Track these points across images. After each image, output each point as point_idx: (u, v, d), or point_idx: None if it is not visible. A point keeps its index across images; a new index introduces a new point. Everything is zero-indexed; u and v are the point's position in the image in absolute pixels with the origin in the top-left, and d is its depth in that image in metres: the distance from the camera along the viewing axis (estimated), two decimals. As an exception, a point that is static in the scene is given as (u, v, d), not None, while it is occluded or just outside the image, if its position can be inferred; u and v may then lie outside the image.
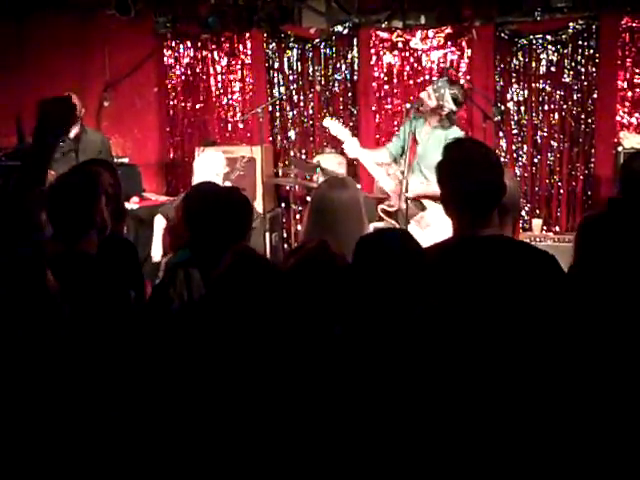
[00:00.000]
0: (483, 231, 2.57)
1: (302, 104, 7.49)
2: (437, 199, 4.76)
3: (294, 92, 7.46)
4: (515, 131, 7.01)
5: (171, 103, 7.79)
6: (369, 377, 2.17)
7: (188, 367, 2.29)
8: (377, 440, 2.12)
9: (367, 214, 3.40)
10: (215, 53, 7.60)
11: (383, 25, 7.09)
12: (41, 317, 2.21)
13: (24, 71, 7.70)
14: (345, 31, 7.19)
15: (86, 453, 2.21)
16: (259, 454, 2.15)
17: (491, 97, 6.71)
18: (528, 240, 5.63)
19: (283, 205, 7.40)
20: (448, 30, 6.98)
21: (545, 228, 6.84)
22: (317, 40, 7.29)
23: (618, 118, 6.70)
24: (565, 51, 6.80)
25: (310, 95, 7.44)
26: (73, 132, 6.13)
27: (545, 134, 6.95)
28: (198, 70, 7.68)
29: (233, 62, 7.57)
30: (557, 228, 6.95)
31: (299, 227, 6.82)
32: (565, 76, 6.83)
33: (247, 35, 7.42)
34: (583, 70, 6.78)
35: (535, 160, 7.03)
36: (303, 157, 7.46)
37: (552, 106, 6.90)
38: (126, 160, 7.36)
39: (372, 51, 7.14)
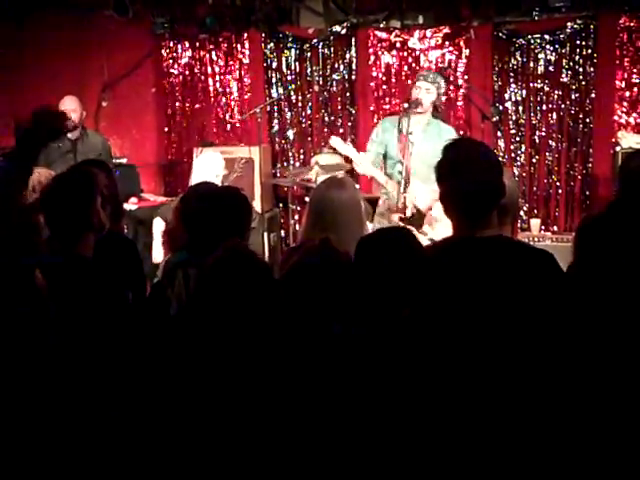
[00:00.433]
0: (482, 232, 2.56)
1: (300, 104, 7.50)
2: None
3: (292, 92, 7.46)
4: (513, 131, 7.02)
5: (169, 103, 7.80)
6: (368, 375, 2.17)
7: (182, 367, 2.29)
8: (376, 439, 2.12)
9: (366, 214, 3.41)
10: (213, 53, 7.60)
11: (381, 25, 7.10)
12: (29, 317, 2.20)
13: (23, 71, 7.69)
14: (343, 31, 7.19)
15: (82, 452, 2.21)
16: (257, 453, 2.15)
17: (489, 97, 6.72)
18: (526, 240, 5.64)
19: (281, 205, 7.40)
20: (446, 30, 6.98)
21: (543, 228, 6.84)
22: (315, 40, 7.29)
23: (616, 118, 6.70)
24: (563, 51, 6.80)
25: (308, 95, 7.44)
26: (73, 135, 6.13)
27: (543, 134, 6.96)
28: (196, 70, 7.68)
29: (231, 62, 7.57)
30: (555, 228, 6.95)
31: (297, 227, 6.81)
32: (563, 76, 6.83)
33: (245, 35, 7.42)
34: (581, 70, 6.78)
35: (533, 160, 7.03)
36: (301, 157, 7.47)
37: (550, 106, 6.90)
38: (124, 160, 7.36)
39: (370, 51, 7.14)
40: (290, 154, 7.55)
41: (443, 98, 5.28)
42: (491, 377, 2.32)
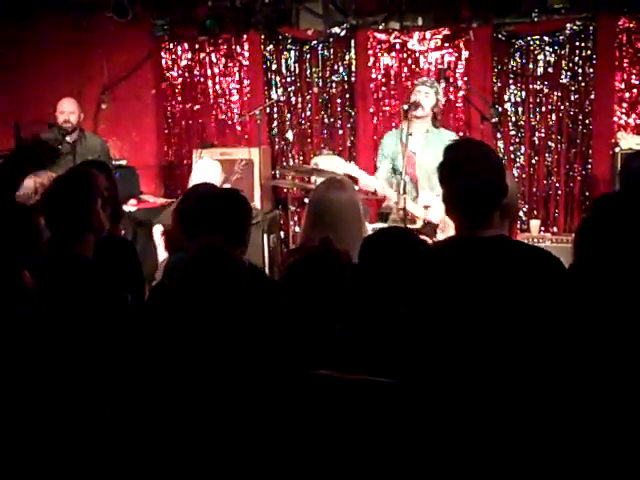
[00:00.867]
0: (484, 231, 2.56)
1: (300, 106, 7.49)
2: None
3: (292, 94, 7.46)
4: (513, 132, 7.01)
5: (169, 105, 7.80)
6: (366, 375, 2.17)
7: (169, 366, 2.28)
8: (375, 441, 2.12)
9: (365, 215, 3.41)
10: (213, 55, 7.60)
11: (380, 27, 7.09)
12: (18, 316, 2.20)
13: (22, 73, 7.70)
14: (342, 33, 7.19)
15: (77, 451, 2.21)
16: (255, 454, 2.15)
17: (488, 98, 6.72)
18: (526, 241, 5.64)
19: (281, 207, 7.40)
20: (445, 31, 6.98)
21: (543, 229, 6.83)
22: (315, 42, 7.29)
23: (615, 119, 6.70)
24: (562, 52, 6.80)
25: (308, 97, 7.44)
26: (72, 137, 6.14)
27: (543, 135, 6.95)
28: (196, 72, 7.67)
29: (231, 64, 7.57)
30: (555, 229, 6.95)
31: (297, 229, 6.81)
32: (562, 77, 6.83)
33: (244, 37, 7.42)
34: (580, 71, 6.78)
35: (533, 161, 7.03)
36: (301, 158, 7.47)
37: (549, 107, 6.90)
38: (124, 162, 7.36)
39: (370, 52, 7.13)
40: (290, 155, 7.54)
41: (441, 104, 5.28)
42: (493, 377, 2.32)
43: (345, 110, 7.37)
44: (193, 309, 2.28)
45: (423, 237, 4.97)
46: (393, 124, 7.07)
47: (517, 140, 7.02)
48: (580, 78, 6.79)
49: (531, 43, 6.85)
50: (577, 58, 6.78)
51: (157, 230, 5.73)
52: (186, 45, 7.64)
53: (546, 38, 6.80)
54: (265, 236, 5.98)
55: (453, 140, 2.95)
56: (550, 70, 6.85)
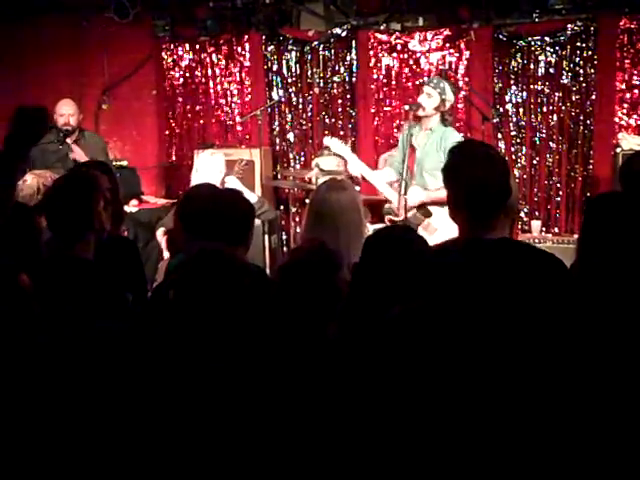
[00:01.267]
0: (489, 234, 2.56)
1: (301, 106, 7.49)
2: (439, 204, 4.82)
3: (293, 94, 7.47)
4: (514, 133, 7.01)
5: (170, 106, 7.80)
6: (365, 375, 2.17)
7: (171, 370, 2.28)
8: (373, 443, 2.12)
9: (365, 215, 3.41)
10: (214, 56, 7.61)
11: (381, 27, 7.09)
12: (14, 318, 2.20)
13: (23, 73, 7.71)
14: (343, 33, 7.19)
15: (74, 451, 2.21)
16: (252, 455, 2.15)
17: (489, 99, 6.72)
18: (527, 242, 5.63)
19: (282, 207, 7.40)
20: (446, 32, 6.98)
21: (544, 229, 6.84)
22: (315, 42, 7.28)
23: (616, 119, 6.69)
24: (563, 53, 6.79)
25: (309, 97, 7.44)
26: (71, 138, 6.13)
27: (544, 135, 6.95)
28: (197, 73, 7.68)
29: (232, 65, 7.58)
30: (556, 229, 6.95)
31: (298, 229, 6.81)
32: (563, 78, 6.82)
33: (245, 38, 7.42)
34: (581, 72, 6.78)
35: (534, 162, 7.02)
36: (302, 159, 7.48)
37: (551, 107, 6.90)
38: (125, 163, 7.37)
39: (371, 53, 7.13)
40: (291, 156, 7.54)
41: (448, 104, 5.27)
42: (498, 380, 2.31)
43: (346, 111, 7.37)
44: (195, 311, 2.28)
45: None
46: (394, 124, 7.08)
47: (518, 141, 7.02)
48: (581, 79, 6.79)
49: (532, 44, 6.85)
50: (578, 59, 6.78)
51: (160, 232, 5.73)
52: (187, 45, 7.65)
53: (547, 38, 6.79)
54: (266, 237, 5.97)
55: (455, 143, 2.94)
56: (551, 71, 6.85)
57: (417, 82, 6.99)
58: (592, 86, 6.75)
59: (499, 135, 6.83)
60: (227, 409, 2.17)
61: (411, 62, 7.12)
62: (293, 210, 6.96)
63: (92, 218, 2.96)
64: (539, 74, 6.89)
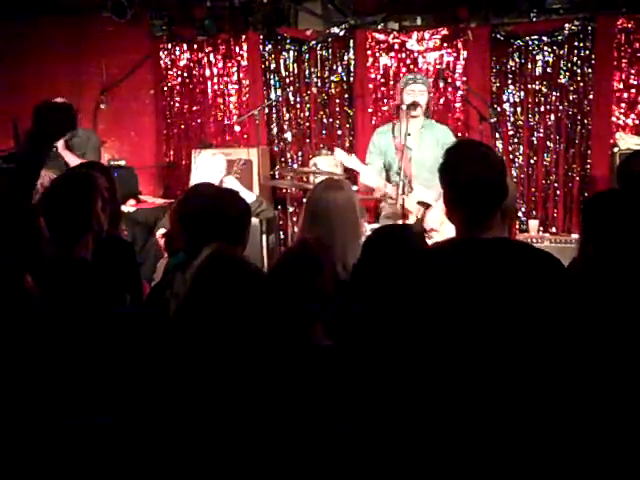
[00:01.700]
0: (486, 233, 2.56)
1: (298, 106, 7.50)
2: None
3: (290, 94, 7.47)
4: (511, 132, 7.02)
5: (168, 105, 7.80)
6: (363, 375, 2.17)
7: (174, 370, 2.29)
8: (373, 445, 2.12)
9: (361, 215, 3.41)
10: (211, 55, 7.61)
11: (379, 27, 7.10)
12: (19, 319, 2.20)
13: (21, 74, 7.71)
14: (341, 33, 7.19)
15: (74, 452, 2.21)
16: (251, 455, 2.15)
17: (487, 98, 6.72)
18: (525, 241, 5.64)
19: (280, 207, 7.40)
20: (444, 31, 6.98)
21: (542, 229, 6.85)
22: (313, 42, 7.29)
23: (614, 119, 6.70)
24: (561, 52, 6.80)
25: (306, 97, 7.44)
26: (65, 137, 6.13)
27: (541, 135, 6.96)
28: (194, 72, 7.68)
29: (229, 64, 7.58)
30: (554, 229, 6.95)
31: (296, 229, 6.81)
32: (561, 77, 6.83)
33: (243, 37, 7.42)
34: (579, 71, 6.79)
35: (531, 161, 7.03)
36: (300, 159, 7.48)
37: (548, 107, 6.91)
38: (123, 163, 7.37)
39: (368, 53, 7.14)
40: (288, 156, 7.55)
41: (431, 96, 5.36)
42: (495, 379, 2.32)
43: (344, 110, 7.38)
44: (208, 313, 2.28)
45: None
46: (392, 121, 7.07)
47: (516, 140, 7.02)
48: (579, 78, 6.80)
49: (529, 43, 6.86)
50: (576, 58, 6.79)
51: (160, 233, 5.72)
52: (185, 45, 7.65)
53: (545, 38, 6.80)
54: (264, 236, 5.97)
55: (453, 142, 2.94)
56: (549, 70, 6.86)
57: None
58: (590, 86, 6.75)
59: (497, 135, 6.82)
60: (224, 408, 2.17)
61: (409, 62, 7.12)
62: (291, 209, 6.96)
63: (90, 218, 2.96)
64: (537, 74, 6.90)
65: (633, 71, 6.65)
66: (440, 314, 2.35)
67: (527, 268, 2.48)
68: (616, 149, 6.36)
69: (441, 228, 4.95)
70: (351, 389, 2.16)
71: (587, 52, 6.73)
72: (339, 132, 7.35)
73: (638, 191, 3.49)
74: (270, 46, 7.42)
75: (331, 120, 7.40)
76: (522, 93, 6.96)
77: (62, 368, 2.32)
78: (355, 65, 7.23)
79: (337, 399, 2.15)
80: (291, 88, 7.46)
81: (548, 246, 5.96)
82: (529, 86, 6.92)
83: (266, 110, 7.31)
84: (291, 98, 7.50)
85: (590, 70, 6.73)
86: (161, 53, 7.68)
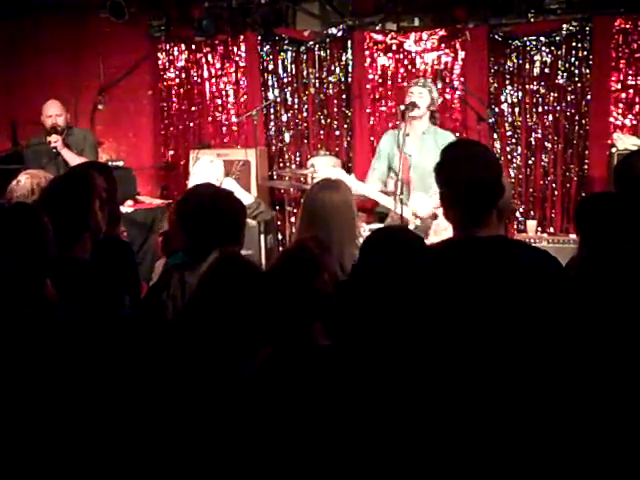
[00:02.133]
0: (483, 231, 2.56)
1: (296, 106, 7.50)
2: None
3: (288, 94, 7.47)
4: (509, 133, 7.01)
5: (165, 106, 7.80)
6: (363, 379, 2.17)
7: (175, 371, 2.29)
8: (373, 449, 2.12)
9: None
10: (209, 56, 7.60)
11: (377, 27, 7.09)
12: (38, 323, 2.21)
13: (19, 74, 7.71)
14: (339, 33, 7.19)
15: (74, 453, 2.21)
16: (253, 458, 2.15)
17: (485, 99, 6.73)
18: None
19: (278, 207, 7.40)
20: (442, 32, 6.98)
21: (540, 229, 6.85)
22: (311, 42, 7.28)
23: (612, 119, 6.70)
24: (559, 53, 6.80)
25: (304, 97, 7.45)
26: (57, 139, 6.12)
27: (539, 135, 6.96)
28: (192, 73, 7.68)
29: (227, 65, 7.58)
30: (552, 229, 6.95)
31: (294, 229, 6.81)
32: (559, 78, 6.83)
33: (241, 38, 7.42)
34: (577, 72, 6.79)
35: (529, 161, 7.03)
36: (297, 159, 7.48)
37: (546, 107, 6.90)
38: (121, 163, 7.36)
39: (366, 53, 7.13)
40: (286, 156, 7.55)
41: (437, 102, 5.30)
42: (493, 379, 2.31)
43: (342, 111, 7.37)
44: (217, 314, 2.29)
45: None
46: (390, 125, 7.07)
47: (514, 141, 7.02)
48: (576, 79, 6.79)
49: (527, 44, 6.85)
50: (573, 59, 6.78)
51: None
52: (182, 46, 7.64)
53: (542, 39, 6.80)
54: (262, 237, 5.97)
55: (449, 142, 2.95)
56: (546, 71, 6.85)
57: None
58: (587, 86, 6.75)
59: (494, 135, 6.83)
60: (224, 409, 2.17)
61: (406, 62, 7.12)
62: (289, 210, 6.96)
63: (88, 219, 2.96)
64: (534, 74, 6.89)
65: (631, 71, 6.64)
66: (440, 313, 2.35)
67: (524, 266, 2.49)
68: (614, 149, 6.36)
69: (443, 233, 4.94)
70: (351, 389, 2.15)
71: (585, 52, 6.73)
72: (337, 133, 7.36)
73: (636, 191, 3.49)
74: (268, 47, 7.42)
75: (329, 121, 7.40)
76: (520, 94, 6.95)
77: (62, 368, 2.32)
78: (353, 66, 7.23)
79: (337, 399, 2.15)
80: (289, 89, 7.46)
81: (546, 246, 5.96)
82: (527, 86, 6.92)
83: (264, 111, 7.31)
84: (289, 99, 7.49)
85: (588, 71, 6.73)
86: (159, 53, 7.68)
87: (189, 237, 3.05)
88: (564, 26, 6.71)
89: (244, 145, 7.21)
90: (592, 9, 6.59)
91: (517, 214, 7.01)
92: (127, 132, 7.85)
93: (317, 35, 7.23)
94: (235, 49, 7.51)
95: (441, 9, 6.87)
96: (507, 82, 6.97)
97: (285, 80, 7.47)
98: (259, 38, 7.36)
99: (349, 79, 7.29)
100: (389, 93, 7.18)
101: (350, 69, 7.26)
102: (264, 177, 7.08)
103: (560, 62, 6.80)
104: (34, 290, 2.32)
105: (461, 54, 6.97)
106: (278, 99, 7.43)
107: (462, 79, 6.93)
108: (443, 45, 7.01)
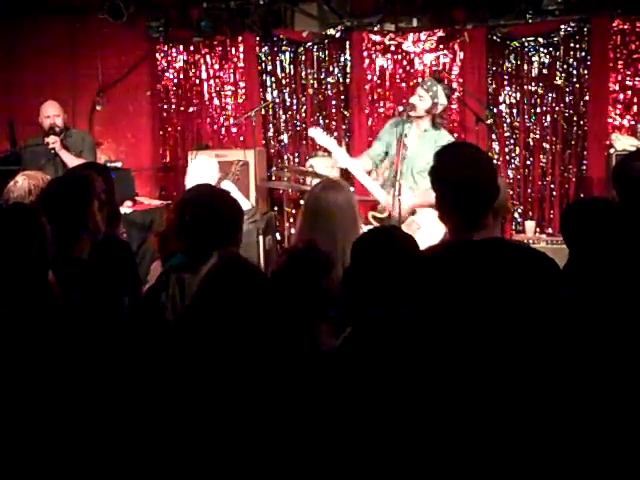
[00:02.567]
0: (478, 233, 2.56)
1: (295, 107, 7.50)
2: (427, 206, 4.81)
3: (287, 95, 7.47)
4: (507, 133, 7.02)
5: (164, 107, 7.79)
6: (362, 378, 2.17)
7: (177, 372, 2.29)
8: (372, 447, 2.12)
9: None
10: (208, 57, 7.60)
11: (375, 28, 7.10)
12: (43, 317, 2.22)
13: (18, 75, 7.70)
14: (337, 34, 7.20)
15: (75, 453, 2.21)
16: (254, 458, 2.15)
17: (483, 100, 6.73)
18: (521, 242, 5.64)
19: (276, 208, 7.40)
20: (440, 33, 6.99)
21: (538, 230, 6.86)
22: (309, 43, 7.29)
23: (610, 120, 6.72)
24: (557, 53, 6.82)
25: (303, 98, 7.45)
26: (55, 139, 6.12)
27: (537, 136, 6.97)
28: (191, 74, 7.68)
29: (226, 66, 7.58)
30: (550, 230, 6.96)
31: (293, 230, 6.81)
32: (557, 78, 6.84)
33: (239, 39, 7.42)
34: (575, 72, 6.80)
35: (528, 162, 7.04)
36: (296, 160, 7.48)
37: (544, 108, 6.92)
38: (119, 164, 7.37)
39: (364, 54, 7.14)
40: (285, 157, 7.55)
41: (440, 107, 5.23)
42: (493, 379, 2.32)
43: (340, 111, 7.38)
44: (221, 315, 2.30)
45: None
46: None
47: (512, 141, 7.03)
48: (575, 79, 6.81)
49: (525, 44, 6.87)
50: (571, 59, 6.80)
51: (161, 234, 5.72)
52: (181, 47, 7.64)
53: (540, 39, 6.81)
54: (261, 237, 5.97)
55: (442, 145, 2.95)
56: (545, 71, 6.87)
57: (411, 83, 7.00)
58: (585, 87, 6.77)
59: (493, 136, 6.84)
60: (227, 408, 2.17)
61: (405, 63, 7.13)
62: (288, 210, 6.96)
63: (87, 220, 2.96)
64: (533, 75, 6.91)
65: (629, 72, 6.67)
66: (438, 316, 2.35)
67: (522, 268, 2.49)
68: (612, 150, 6.37)
69: (417, 232, 4.94)
70: (356, 389, 2.16)
71: (583, 53, 6.75)
72: (335, 133, 7.35)
73: (634, 192, 3.50)
74: (266, 48, 7.43)
75: (327, 121, 7.41)
76: (518, 94, 6.97)
77: (62, 368, 2.33)
78: (351, 66, 7.24)
79: (343, 399, 2.15)
80: (287, 89, 7.46)
81: (544, 247, 5.97)
82: (525, 87, 6.94)
83: (262, 111, 7.31)
84: (287, 99, 7.50)
85: (586, 71, 6.75)
86: (157, 54, 7.68)
87: (188, 238, 3.05)
88: (562, 27, 6.72)
89: (242, 146, 7.21)
90: (590, 10, 6.60)
91: (516, 215, 7.02)
92: (126, 133, 7.84)
93: (315, 36, 7.23)
94: (233, 50, 7.51)
95: (439, 10, 6.88)
96: (505, 83, 6.99)
97: (283, 81, 7.47)
98: (257, 39, 7.37)
99: (347, 80, 7.30)
100: (387, 94, 7.19)
101: (348, 70, 7.27)
102: (263, 178, 7.08)
103: (558, 63, 6.82)
104: (35, 287, 2.32)
105: (459, 55, 6.98)
106: (276, 100, 7.44)
107: (460, 80, 6.94)
108: (441, 46, 7.02)
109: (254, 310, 2.30)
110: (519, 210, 7.03)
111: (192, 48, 7.60)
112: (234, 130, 7.61)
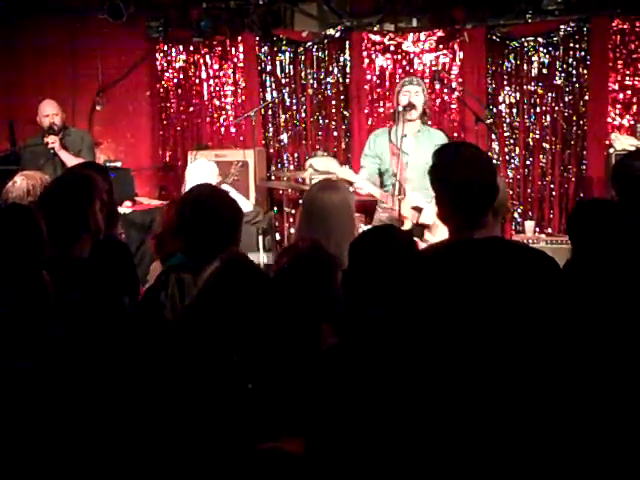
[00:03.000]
0: (479, 233, 2.57)
1: (294, 107, 7.50)
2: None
3: (286, 95, 7.47)
4: (507, 133, 7.02)
5: (164, 107, 7.80)
6: (361, 378, 2.17)
7: (177, 372, 2.29)
8: (371, 447, 2.12)
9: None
10: (207, 57, 7.61)
11: (375, 28, 7.10)
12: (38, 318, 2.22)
13: (17, 75, 7.70)
14: (337, 34, 7.20)
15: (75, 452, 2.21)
16: (254, 459, 2.15)
17: (483, 100, 6.74)
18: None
19: (276, 208, 7.40)
20: (440, 33, 6.99)
21: (538, 230, 6.86)
22: (309, 43, 7.29)
23: (609, 120, 6.72)
24: (556, 53, 6.81)
25: (302, 98, 7.45)
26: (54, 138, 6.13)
27: (537, 136, 6.97)
28: (190, 74, 7.68)
29: (225, 66, 7.58)
30: (550, 230, 6.96)
31: (292, 230, 6.81)
32: (556, 78, 6.84)
33: (239, 39, 7.42)
34: (574, 72, 6.80)
35: (527, 162, 7.04)
36: (296, 160, 7.48)
37: (544, 108, 6.92)
38: (119, 164, 7.37)
39: (364, 54, 7.14)
40: (284, 157, 7.55)
41: (427, 100, 5.34)
42: (492, 381, 2.32)
43: (340, 111, 7.38)
44: (223, 315, 2.30)
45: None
46: (388, 125, 7.07)
47: (512, 141, 7.03)
48: (574, 79, 6.81)
49: (525, 44, 6.87)
50: (571, 59, 6.80)
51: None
52: (181, 47, 7.65)
53: (540, 39, 6.81)
54: (260, 237, 5.97)
55: (441, 144, 2.95)
56: (544, 71, 6.87)
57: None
58: (585, 87, 6.77)
59: (492, 136, 6.83)
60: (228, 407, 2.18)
61: (405, 63, 7.13)
62: (287, 210, 6.96)
63: (89, 219, 2.96)
64: (532, 75, 6.91)
65: (628, 72, 6.67)
66: (437, 315, 2.35)
67: (522, 267, 2.49)
68: (612, 150, 6.37)
69: (434, 224, 4.94)
70: (357, 389, 2.16)
71: (582, 53, 6.75)
72: (335, 133, 7.36)
73: (634, 192, 3.50)
74: (266, 47, 7.43)
75: (327, 121, 7.41)
76: (518, 94, 6.97)
77: (62, 368, 2.33)
78: (351, 66, 7.24)
79: (343, 399, 2.15)
80: (287, 89, 7.46)
81: (544, 247, 5.97)
82: (525, 87, 6.94)
83: (262, 111, 7.31)
84: (287, 99, 7.50)
85: (586, 71, 6.75)
86: (157, 54, 7.69)
87: (188, 238, 3.05)
88: (562, 27, 6.72)
89: (242, 146, 7.21)
90: (590, 10, 6.61)
91: (515, 215, 7.02)
92: (125, 133, 7.85)
93: (315, 36, 7.23)
94: (233, 50, 7.51)
95: (439, 10, 6.88)
96: (505, 83, 6.99)
97: (283, 81, 7.47)
98: (257, 39, 7.37)
99: (347, 80, 7.30)
100: (387, 94, 7.18)
101: (348, 70, 7.27)
102: (262, 178, 7.08)
103: (558, 63, 6.82)
104: (30, 287, 2.32)
105: (459, 55, 6.98)
106: (276, 100, 7.44)
107: (460, 80, 6.94)
108: (441, 46, 7.02)
109: (254, 310, 2.30)
110: (519, 210, 7.03)
111: (192, 48, 7.61)
112: (234, 130, 7.61)
